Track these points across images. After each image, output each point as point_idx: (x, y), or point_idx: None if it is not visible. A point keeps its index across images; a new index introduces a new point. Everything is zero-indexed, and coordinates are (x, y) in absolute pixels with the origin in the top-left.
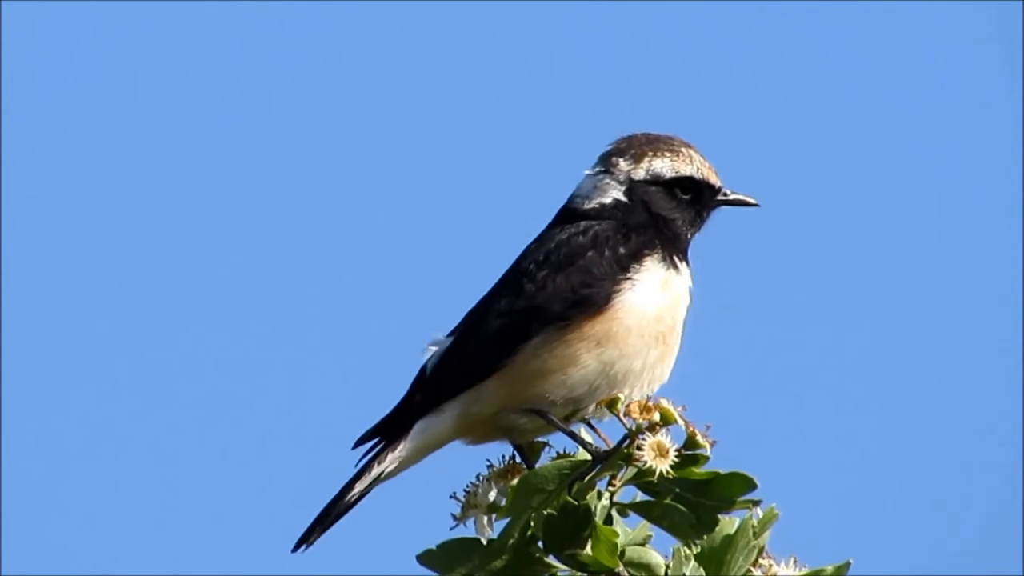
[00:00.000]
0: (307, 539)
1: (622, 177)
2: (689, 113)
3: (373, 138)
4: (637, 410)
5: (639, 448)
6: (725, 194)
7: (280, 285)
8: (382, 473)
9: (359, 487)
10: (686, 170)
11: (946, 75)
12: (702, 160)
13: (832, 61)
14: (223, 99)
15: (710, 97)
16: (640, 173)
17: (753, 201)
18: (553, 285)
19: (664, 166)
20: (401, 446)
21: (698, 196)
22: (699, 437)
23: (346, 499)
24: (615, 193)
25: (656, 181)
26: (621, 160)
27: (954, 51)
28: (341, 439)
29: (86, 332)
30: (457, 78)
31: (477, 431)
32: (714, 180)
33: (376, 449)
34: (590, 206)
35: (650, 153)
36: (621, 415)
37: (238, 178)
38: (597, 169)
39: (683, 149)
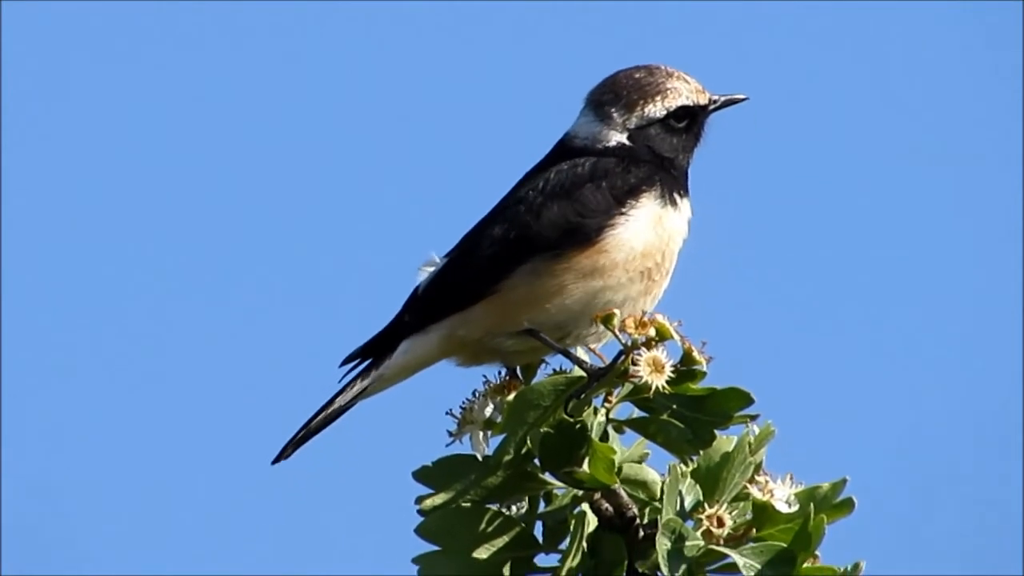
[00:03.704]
0: (284, 453)
1: (619, 128)
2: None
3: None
4: (633, 325)
5: (635, 363)
6: (714, 101)
7: (277, 203)
8: (364, 389)
9: (340, 401)
10: (678, 103)
11: (955, 70)
12: (687, 85)
13: (838, 62)
14: (193, 81)
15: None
16: (634, 121)
17: (741, 96)
18: (548, 213)
19: (656, 109)
20: (385, 364)
21: (692, 120)
22: (695, 353)
23: (327, 413)
24: (618, 137)
25: (651, 123)
26: (613, 111)
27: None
28: (331, 358)
29: (81, 298)
30: (438, 40)
31: (464, 353)
32: (703, 100)
33: (362, 367)
34: (591, 146)
35: (641, 101)
36: (616, 331)
37: (228, 132)
38: (591, 117)
39: (669, 85)
